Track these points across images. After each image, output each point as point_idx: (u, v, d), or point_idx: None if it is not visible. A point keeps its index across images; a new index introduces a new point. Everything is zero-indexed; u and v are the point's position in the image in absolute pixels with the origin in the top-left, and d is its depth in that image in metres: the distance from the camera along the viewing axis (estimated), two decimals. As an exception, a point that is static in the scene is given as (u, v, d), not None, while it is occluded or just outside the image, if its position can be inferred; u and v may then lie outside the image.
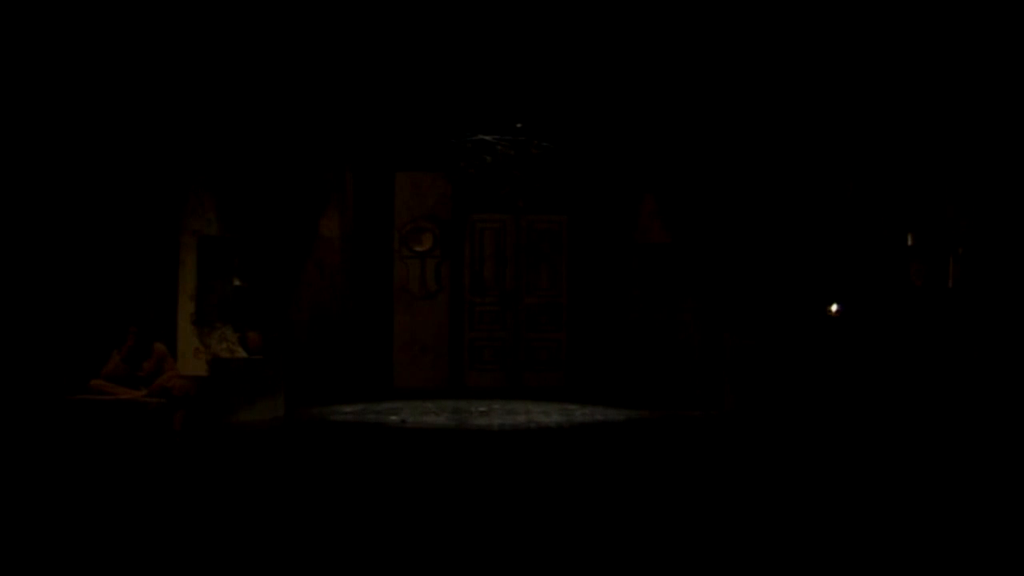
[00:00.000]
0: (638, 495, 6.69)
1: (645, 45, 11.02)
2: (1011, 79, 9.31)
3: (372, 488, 6.82)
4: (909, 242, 10.20)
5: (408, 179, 13.18)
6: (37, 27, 9.28)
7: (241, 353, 10.32)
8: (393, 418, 10.12)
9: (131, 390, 8.77)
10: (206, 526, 5.70)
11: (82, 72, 9.68)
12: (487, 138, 11.88)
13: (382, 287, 13.09)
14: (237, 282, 10.70)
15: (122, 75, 9.90)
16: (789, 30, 10.43)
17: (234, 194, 10.74)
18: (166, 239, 10.30)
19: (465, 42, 11.00)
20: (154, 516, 5.91)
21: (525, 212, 13.11)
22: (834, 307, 9.75)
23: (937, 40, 9.73)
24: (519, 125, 11.87)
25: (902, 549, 5.30)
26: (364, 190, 12.99)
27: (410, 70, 11.44)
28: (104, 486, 6.78)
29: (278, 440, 9.00)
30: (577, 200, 13.10)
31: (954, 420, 9.01)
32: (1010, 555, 5.18)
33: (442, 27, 10.79)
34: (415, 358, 13.08)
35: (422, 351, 13.08)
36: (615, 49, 11.09)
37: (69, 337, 9.58)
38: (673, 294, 12.01)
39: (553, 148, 12.04)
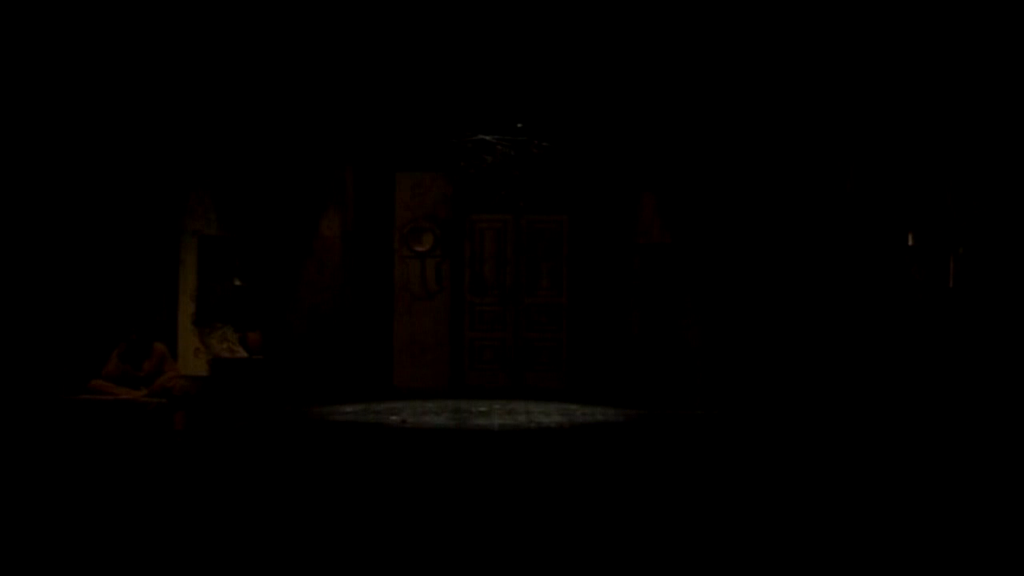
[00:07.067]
0: (638, 495, 6.69)
1: (644, 45, 11.02)
2: (1011, 79, 9.30)
3: (372, 488, 6.82)
4: (909, 242, 10.19)
5: (408, 179, 13.18)
6: (38, 29, 9.28)
7: (241, 353, 10.33)
8: (393, 418, 10.12)
9: (131, 390, 8.77)
10: (206, 526, 5.70)
11: (83, 73, 9.69)
12: (487, 138, 11.88)
13: (382, 287, 13.09)
14: (237, 282, 10.71)
15: (122, 76, 9.90)
16: (789, 28, 10.43)
17: (234, 194, 10.75)
18: (166, 239, 10.30)
19: (465, 42, 11.00)
20: (154, 516, 5.91)
21: (525, 212, 13.11)
22: None
23: (937, 39, 9.72)
24: (519, 125, 11.86)
25: (900, 547, 5.30)
26: (364, 190, 12.99)
27: (411, 70, 11.44)
28: (104, 486, 6.78)
29: (278, 440, 9.00)
30: (577, 200, 13.10)
31: (954, 419, 9.01)
32: (1010, 555, 5.18)
33: (442, 27, 10.79)
34: (415, 358, 13.08)
35: (422, 351, 13.08)
36: (615, 49, 11.09)
37: (69, 337, 9.58)
38: (673, 294, 12.01)
39: (553, 148, 12.04)
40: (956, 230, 9.74)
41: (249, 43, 10.44)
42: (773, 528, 5.73)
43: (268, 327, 11.24)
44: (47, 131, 9.60)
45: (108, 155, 10.08)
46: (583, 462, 8.03)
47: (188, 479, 7.19)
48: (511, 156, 12.03)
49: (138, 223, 10.33)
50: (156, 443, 8.39)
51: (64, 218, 9.85)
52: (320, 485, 6.91)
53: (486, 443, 8.79)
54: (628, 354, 12.35)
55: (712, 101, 11.31)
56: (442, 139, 12.21)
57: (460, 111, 11.97)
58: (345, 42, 10.89)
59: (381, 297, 13.05)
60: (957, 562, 5.08)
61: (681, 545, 5.37)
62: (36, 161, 9.58)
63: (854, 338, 10.29)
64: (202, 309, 10.13)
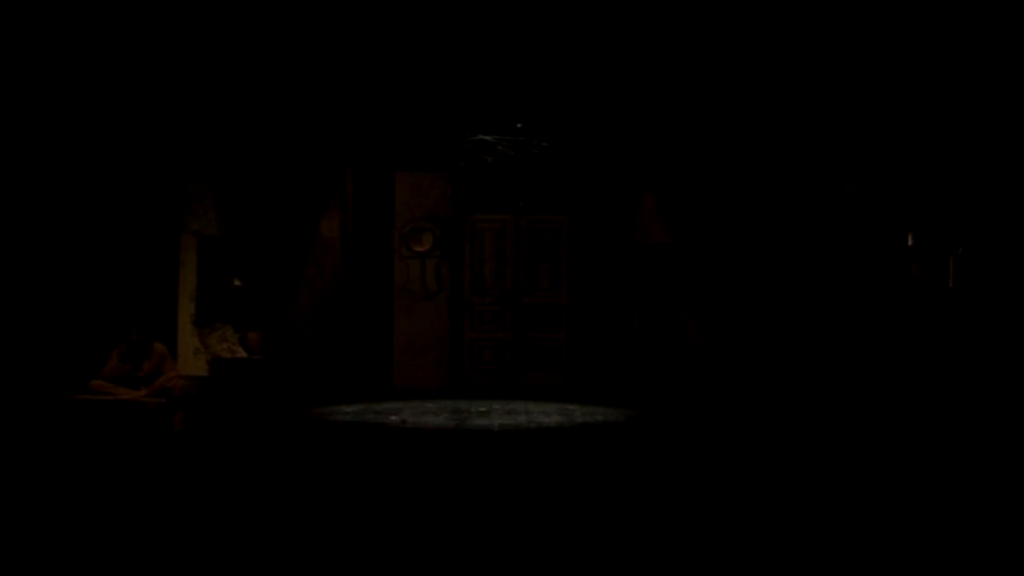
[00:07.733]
0: (638, 495, 6.69)
1: (644, 45, 11.02)
2: (1011, 79, 9.31)
3: (372, 488, 6.82)
4: (909, 242, 10.20)
5: (408, 179, 13.18)
6: (38, 29, 9.29)
7: (241, 353, 10.33)
8: (393, 418, 10.12)
9: (131, 390, 8.78)
10: (206, 526, 5.70)
11: (83, 73, 9.69)
12: (487, 138, 11.88)
13: (382, 287, 13.09)
14: (237, 282, 10.71)
15: (122, 75, 9.90)
16: (789, 29, 10.43)
17: (234, 194, 10.75)
18: (166, 239, 10.31)
19: (465, 42, 11.01)
20: (154, 516, 5.91)
21: (525, 212, 13.11)
22: None
23: (937, 40, 9.73)
24: (519, 125, 11.87)
25: (899, 546, 5.30)
26: (364, 190, 13.00)
27: (410, 70, 11.45)
28: (104, 486, 6.78)
29: (279, 440, 9.00)
30: (577, 200, 13.10)
31: (954, 418, 9.01)
32: (1010, 555, 5.18)
33: (442, 27, 10.79)
34: (415, 358, 13.08)
35: (422, 351, 13.08)
36: (615, 49, 11.09)
37: (69, 337, 9.58)
38: (673, 294, 12.01)
39: (553, 148, 12.04)
40: (956, 230, 9.75)
41: (249, 43, 10.44)
42: (773, 526, 5.74)
43: (268, 327, 11.24)
44: (48, 131, 9.60)
45: (108, 155, 10.08)
46: (583, 462, 8.03)
47: (188, 479, 7.19)
48: (511, 156, 12.03)
49: (138, 223, 10.32)
50: (156, 443, 8.40)
51: (64, 218, 9.85)
52: (320, 485, 6.91)
53: (486, 443, 8.79)
54: (628, 354, 12.36)
55: (712, 101, 11.32)
56: (442, 139, 12.21)
57: (460, 111, 11.97)
58: (345, 42, 10.90)
59: (381, 297, 13.05)
60: (957, 562, 5.08)
61: (681, 545, 5.37)
62: (37, 161, 9.58)
63: (854, 337, 10.29)
64: (202, 309, 10.14)
